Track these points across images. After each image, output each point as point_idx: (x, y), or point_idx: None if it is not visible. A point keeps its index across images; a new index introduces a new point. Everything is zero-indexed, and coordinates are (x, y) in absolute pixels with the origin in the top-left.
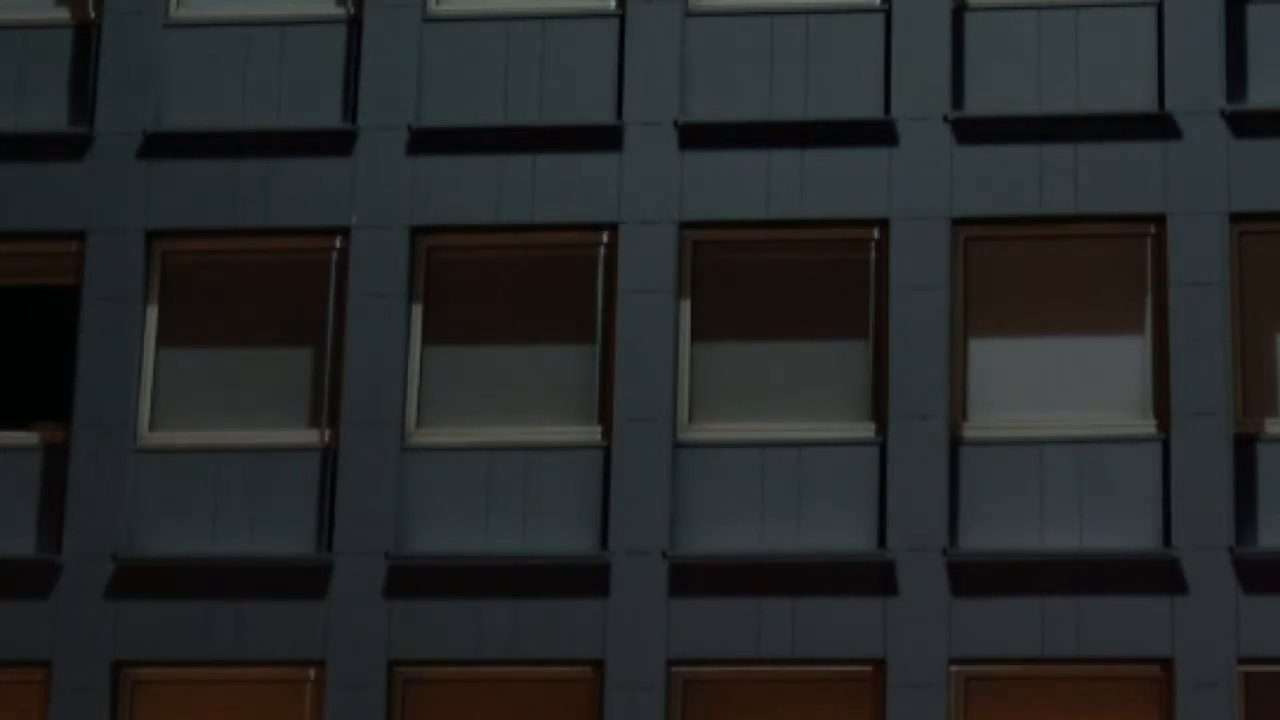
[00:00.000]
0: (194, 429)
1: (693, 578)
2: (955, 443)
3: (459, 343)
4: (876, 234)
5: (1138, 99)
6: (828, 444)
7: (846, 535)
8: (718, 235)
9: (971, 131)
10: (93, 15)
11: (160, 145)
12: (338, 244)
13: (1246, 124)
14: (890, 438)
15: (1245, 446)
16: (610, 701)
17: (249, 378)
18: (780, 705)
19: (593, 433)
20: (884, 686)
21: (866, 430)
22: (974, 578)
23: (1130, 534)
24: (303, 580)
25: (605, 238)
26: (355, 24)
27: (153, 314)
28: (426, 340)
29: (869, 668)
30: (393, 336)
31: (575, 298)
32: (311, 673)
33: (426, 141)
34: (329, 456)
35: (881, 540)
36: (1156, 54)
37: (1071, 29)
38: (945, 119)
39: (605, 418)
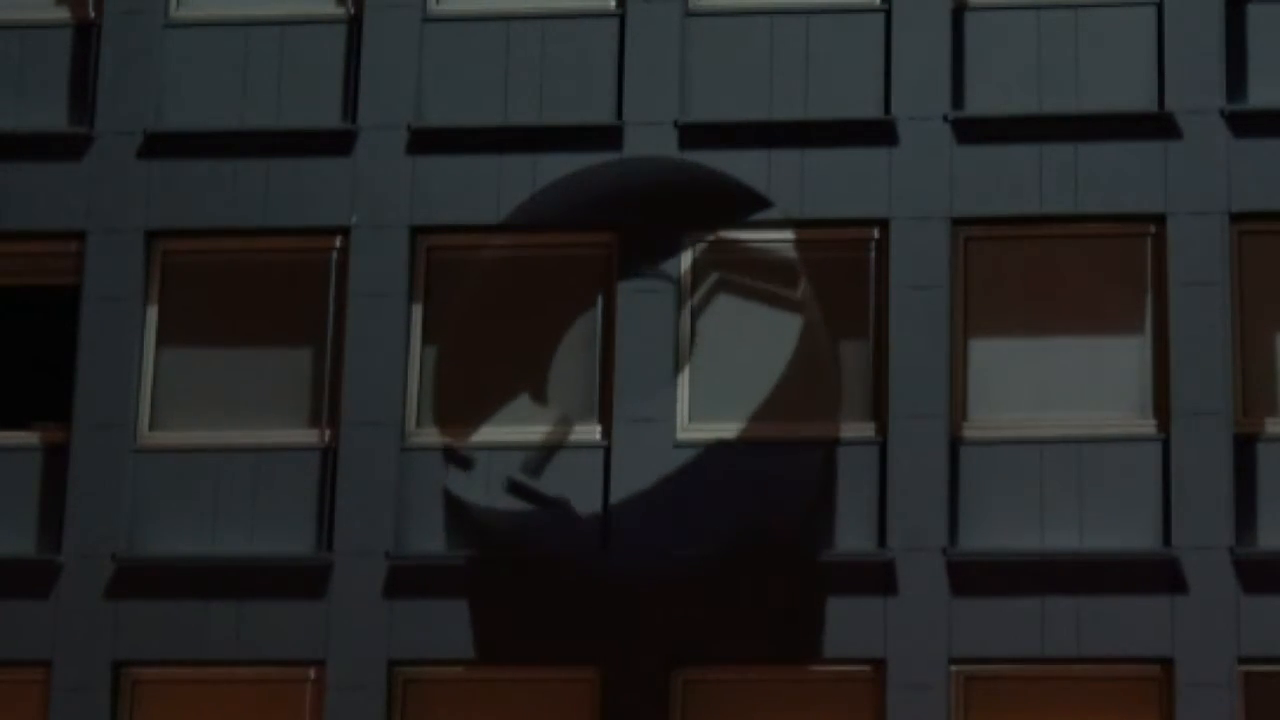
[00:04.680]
0: (194, 429)
1: (692, 577)
2: (955, 443)
3: (459, 343)
4: (876, 234)
5: (1138, 99)
6: (828, 444)
7: (846, 535)
8: (718, 235)
9: (971, 131)
10: (93, 15)
11: (160, 145)
12: (338, 244)
13: (1246, 124)
14: (890, 438)
15: (1245, 446)
16: (611, 702)
17: (249, 378)
18: (780, 705)
19: (592, 432)
20: (884, 686)
21: (866, 430)
22: (974, 578)
23: (1130, 534)
24: (303, 580)
25: (609, 238)
26: (355, 24)
27: (153, 314)
28: (426, 340)
29: (869, 668)
30: (393, 336)
31: (576, 297)
32: (311, 673)
33: (426, 141)
34: (329, 456)
35: (881, 540)
36: (1156, 54)
37: (1071, 29)
38: (945, 119)
39: (604, 417)
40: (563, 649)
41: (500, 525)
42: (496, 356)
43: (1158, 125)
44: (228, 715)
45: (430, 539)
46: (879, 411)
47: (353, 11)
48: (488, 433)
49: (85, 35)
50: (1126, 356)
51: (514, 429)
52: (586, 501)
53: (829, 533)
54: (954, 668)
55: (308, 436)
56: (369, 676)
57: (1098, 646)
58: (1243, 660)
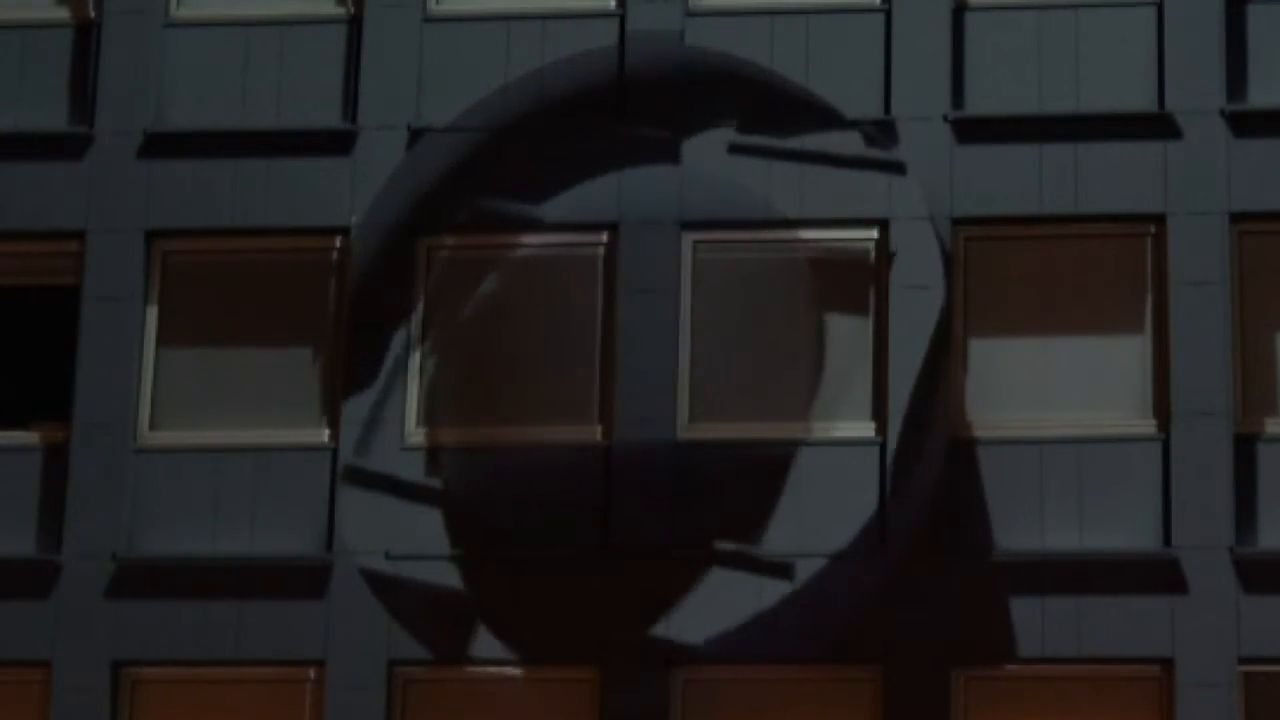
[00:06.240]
0: (194, 429)
1: (693, 578)
2: (955, 443)
3: (460, 343)
4: (877, 234)
5: (1138, 99)
6: (828, 444)
7: (846, 536)
8: (718, 236)
9: (971, 131)
10: (93, 15)
11: (160, 145)
12: (338, 244)
13: (1246, 124)
14: (891, 438)
15: (1245, 446)
16: (611, 702)
17: (249, 377)
18: (780, 705)
19: (593, 432)
20: (885, 686)
21: (867, 430)
22: (975, 578)
23: (1130, 534)
24: (303, 580)
25: (605, 238)
26: (355, 24)
27: (153, 314)
28: (426, 340)
29: (870, 668)
30: (392, 336)
31: (576, 298)
32: (311, 673)
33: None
34: (329, 456)
35: (882, 540)
36: (1156, 54)
37: (1071, 29)
38: (945, 119)
39: (605, 417)
40: (563, 649)
41: (499, 524)
42: (496, 356)
43: (1158, 125)
44: (228, 715)
45: (430, 539)
46: (879, 411)
47: (353, 11)
48: (485, 433)
49: (85, 35)
50: (1126, 356)
51: (511, 429)
52: (590, 501)
53: (829, 533)
54: (955, 668)
55: (309, 436)
56: (369, 676)
57: (1098, 646)
58: (1243, 660)
